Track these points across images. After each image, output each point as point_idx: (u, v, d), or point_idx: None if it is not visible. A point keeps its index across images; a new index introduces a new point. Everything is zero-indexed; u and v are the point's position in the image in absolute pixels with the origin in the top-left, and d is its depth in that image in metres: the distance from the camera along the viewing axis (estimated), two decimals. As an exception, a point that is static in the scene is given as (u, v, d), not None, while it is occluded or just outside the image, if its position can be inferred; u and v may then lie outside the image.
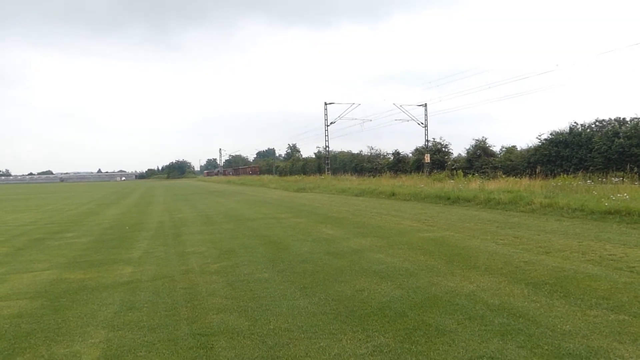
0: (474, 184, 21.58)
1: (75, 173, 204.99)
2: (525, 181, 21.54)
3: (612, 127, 27.14)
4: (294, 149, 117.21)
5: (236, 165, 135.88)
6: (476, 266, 7.09)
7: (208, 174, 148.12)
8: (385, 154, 51.49)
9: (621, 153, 25.15)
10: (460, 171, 28.89)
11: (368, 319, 4.86)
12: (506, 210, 14.55)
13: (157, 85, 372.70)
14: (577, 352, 3.83)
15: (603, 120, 30.05)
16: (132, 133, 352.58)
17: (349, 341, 4.27)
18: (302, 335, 4.46)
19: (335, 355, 3.98)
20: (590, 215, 12.09)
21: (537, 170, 26.04)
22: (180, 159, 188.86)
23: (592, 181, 18.62)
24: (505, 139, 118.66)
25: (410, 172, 39.88)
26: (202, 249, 9.80)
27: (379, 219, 13.99)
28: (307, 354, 4.03)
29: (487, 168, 32.89)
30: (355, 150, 61.70)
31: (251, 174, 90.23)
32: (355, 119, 60.30)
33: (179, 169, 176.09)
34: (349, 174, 46.77)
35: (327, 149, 51.70)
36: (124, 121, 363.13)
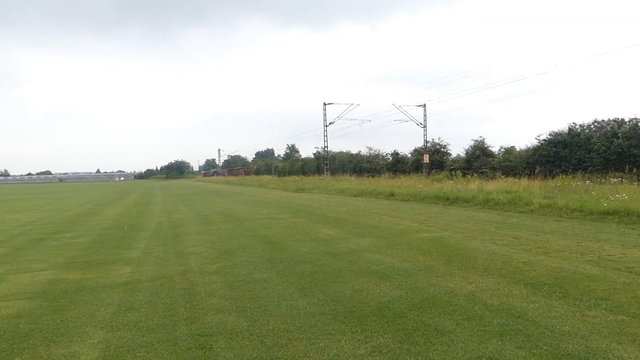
0: (473, 185, 21.59)
1: (74, 173, 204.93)
2: (524, 182, 21.55)
3: (611, 127, 27.17)
4: (292, 149, 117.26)
5: (235, 165, 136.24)
6: (475, 267, 7.10)
7: (205, 175, 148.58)
8: (384, 154, 51.52)
9: (620, 154, 25.17)
10: (459, 171, 28.90)
11: (367, 319, 4.86)
12: (505, 211, 14.56)
13: (156, 85, 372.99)
14: (576, 353, 3.83)
15: (602, 120, 30.12)
16: (131, 133, 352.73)
17: (347, 342, 4.27)
18: (301, 336, 4.45)
19: (334, 355, 3.98)
20: (589, 215, 12.10)
21: (535, 170, 26.05)
22: (179, 159, 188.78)
23: (591, 182, 18.64)
24: (504, 139, 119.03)
25: (409, 173, 39.86)
26: (201, 249, 9.79)
27: (377, 219, 13.99)
28: (305, 354, 4.03)
29: (486, 168, 32.90)
30: (354, 151, 61.76)
31: (244, 175, 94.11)
32: (354, 119, 59.92)
33: (177, 170, 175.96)
34: (348, 175, 46.73)
35: (326, 149, 51.73)
36: (123, 121, 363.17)
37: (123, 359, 4.11)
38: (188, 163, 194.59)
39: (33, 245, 11.36)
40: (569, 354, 3.81)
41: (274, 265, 7.81)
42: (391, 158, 48.44)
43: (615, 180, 18.95)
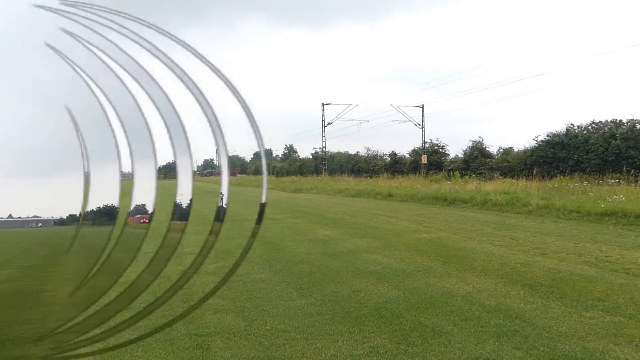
0: (471, 185, 21.63)
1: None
2: (521, 182, 21.59)
3: (609, 128, 27.26)
4: (291, 150, 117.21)
5: (233, 165, 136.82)
6: (472, 267, 7.10)
7: (200, 175, 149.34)
8: (382, 155, 51.58)
9: (617, 155, 25.25)
10: (457, 172, 28.99)
11: (364, 319, 4.86)
12: (503, 212, 14.58)
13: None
14: (573, 354, 3.83)
15: (599, 121, 30.20)
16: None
17: (345, 342, 4.26)
18: (299, 336, 4.45)
19: (331, 356, 3.98)
20: (586, 216, 12.13)
21: (533, 171, 26.10)
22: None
23: (589, 183, 18.69)
24: (502, 140, 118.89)
25: (407, 173, 39.86)
26: (199, 249, 9.75)
27: (375, 219, 14.00)
28: (303, 354, 4.02)
29: (484, 169, 32.98)
30: (352, 151, 61.67)
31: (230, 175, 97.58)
32: (353, 119, 59.67)
33: (175, 169, 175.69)
34: (346, 175, 46.73)
35: (324, 149, 51.78)
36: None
37: (120, 358, 4.10)
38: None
39: (30, 244, 11.32)
40: (565, 355, 3.82)
41: (271, 265, 7.80)
42: (389, 158, 48.54)
43: (612, 181, 19.00)
